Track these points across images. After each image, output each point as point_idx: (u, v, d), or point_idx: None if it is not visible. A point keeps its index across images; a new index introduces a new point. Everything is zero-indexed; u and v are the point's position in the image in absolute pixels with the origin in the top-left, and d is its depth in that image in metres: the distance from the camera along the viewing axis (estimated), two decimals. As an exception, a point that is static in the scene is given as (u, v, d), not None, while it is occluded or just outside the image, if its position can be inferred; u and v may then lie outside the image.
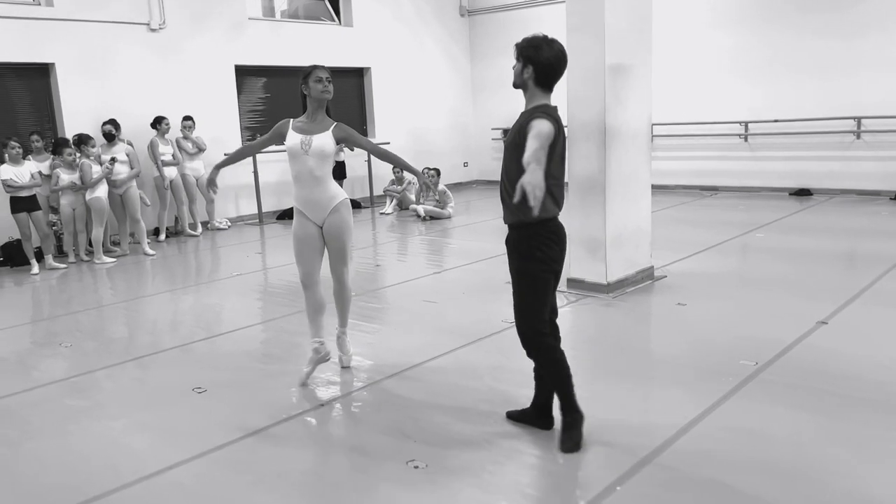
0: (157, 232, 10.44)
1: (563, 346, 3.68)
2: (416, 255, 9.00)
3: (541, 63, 3.38)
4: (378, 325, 5.79)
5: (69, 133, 9.50)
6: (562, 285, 6.52)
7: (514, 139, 3.38)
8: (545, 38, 3.45)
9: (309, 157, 4.37)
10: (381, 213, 12.00)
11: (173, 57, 10.80)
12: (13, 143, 8.37)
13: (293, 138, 4.43)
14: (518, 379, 4.46)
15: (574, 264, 6.42)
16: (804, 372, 4.34)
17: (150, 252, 9.25)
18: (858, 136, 11.07)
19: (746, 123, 12.02)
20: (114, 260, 8.95)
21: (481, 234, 9.83)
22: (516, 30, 15.34)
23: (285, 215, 12.05)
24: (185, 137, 10.53)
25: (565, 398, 3.59)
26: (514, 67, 3.52)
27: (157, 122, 10.20)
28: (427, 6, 14.43)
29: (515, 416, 3.89)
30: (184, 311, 6.69)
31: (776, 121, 11.64)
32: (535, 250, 3.45)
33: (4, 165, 8.30)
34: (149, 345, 5.57)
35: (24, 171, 8.38)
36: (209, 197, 10.83)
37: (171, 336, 5.82)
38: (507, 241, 3.61)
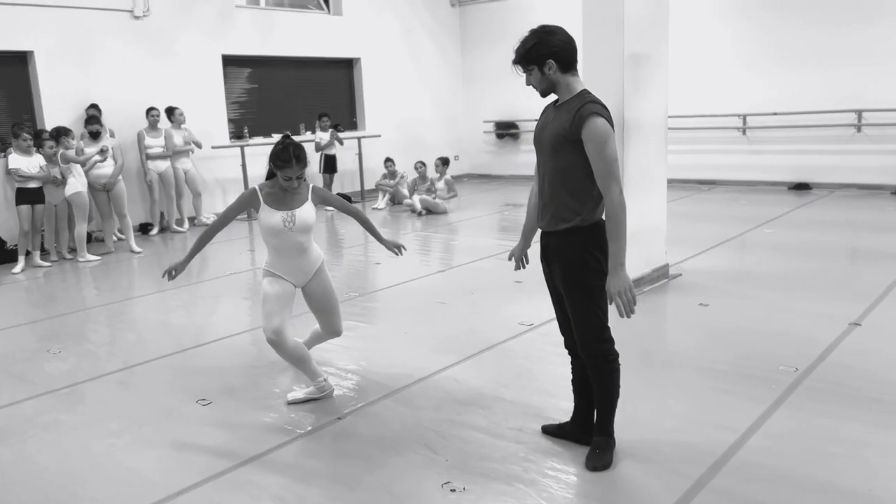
0: (143, 228, 10.04)
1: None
2: (415, 253, 8.70)
3: (556, 49, 3.09)
4: (387, 328, 5.50)
5: (49, 124, 9.07)
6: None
7: (566, 134, 3.09)
8: (534, 31, 3.15)
9: (294, 233, 3.98)
10: (374, 209, 11.67)
11: (158, 46, 10.37)
12: (25, 134, 8.12)
13: (271, 216, 3.95)
14: (546, 387, 4.22)
15: (588, 263, 6.17)
16: (849, 378, 4.12)
17: (138, 249, 8.86)
18: (859, 130, 10.93)
19: (745, 116, 11.84)
20: (98, 258, 8.55)
21: (482, 230, 9.56)
22: (508, 20, 15.12)
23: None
24: (174, 127, 10.14)
25: (609, 415, 3.34)
26: (529, 82, 3.22)
27: (146, 113, 9.80)
28: (417, -5, 14.09)
29: (552, 431, 3.62)
30: (179, 314, 6.33)
31: (775, 114, 11.47)
32: (589, 256, 3.16)
33: (13, 155, 8.06)
34: (144, 351, 5.22)
35: (34, 163, 8.09)
36: (196, 191, 10.46)
37: (168, 341, 5.46)
38: (549, 249, 3.32)
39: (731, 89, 11.79)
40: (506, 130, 14.58)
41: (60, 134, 8.45)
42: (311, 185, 4.14)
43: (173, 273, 4.06)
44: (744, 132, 11.96)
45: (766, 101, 11.55)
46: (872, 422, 3.59)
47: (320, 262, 4.19)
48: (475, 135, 15.05)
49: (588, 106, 3.06)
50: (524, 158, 14.13)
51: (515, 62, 3.17)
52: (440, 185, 11.29)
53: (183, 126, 10.22)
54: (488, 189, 13.36)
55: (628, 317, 3.08)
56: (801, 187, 11.48)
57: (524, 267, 3.70)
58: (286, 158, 3.86)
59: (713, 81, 11.93)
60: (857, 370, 4.22)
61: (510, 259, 3.70)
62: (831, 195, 10.85)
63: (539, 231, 3.38)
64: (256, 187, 4.06)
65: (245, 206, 4.09)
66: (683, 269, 6.75)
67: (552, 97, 3.28)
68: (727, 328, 5.12)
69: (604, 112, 3.08)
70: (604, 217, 3.15)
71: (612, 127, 3.10)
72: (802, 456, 3.30)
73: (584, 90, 3.16)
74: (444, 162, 11.55)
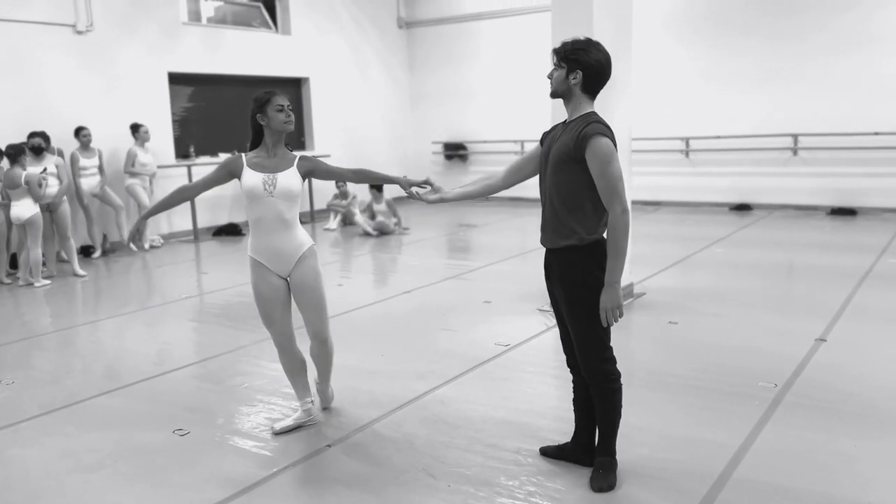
0: (84, 251, 9.61)
1: (566, 369, 3.51)
2: (373, 274, 8.61)
3: (591, 66, 3.13)
4: (363, 351, 5.38)
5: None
6: (546, 304, 6.31)
7: (570, 153, 3.10)
8: (590, 40, 3.22)
9: (275, 199, 3.74)
10: (325, 229, 11.50)
11: (101, 62, 10.02)
12: None
13: (252, 178, 3.74)
14: (536, 408, 4.21)
15: (558, 282, 6.21)
16: (828, 393, 4.24)
17: (81, 273, 8.46)
18: (795, 153, 11.43)
19: (688, 139, 12.23)
20: (48, 282, 8.13)
21: (438, 251, 9.53)
22: (454, 43, 15.26)
23: (221, 231, 11.40)
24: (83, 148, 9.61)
25: (611, 436, 3.34)
26: (552, 75, 3.25)
27: (76, 133, 9.41)
28: (365, 17, 14.06)
29: (551, 453, 3.59)
30: (136, 340, 6.06)
31: (717, 137, 11.89)
32: (589, 276, 3.16)
33: None
34: (110, 378, 4.97)
35: None
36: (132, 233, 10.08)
37: (131, 368, 5.20)
38: (551, 267, 3.32)
39: (674, 113, 12.17)
40: (454, 151, 14.64)
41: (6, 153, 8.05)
42: (298, 154, 3.92)
43: (137, 236, 3.77)
44: (687, 154, 12.34)
45: (708, 125, 11.97)
46: (860, 435, 3.70)
47: (305, 248, 3.85)
48: (424, 155, 15.05)
49: (592, 126, 3.09)
50: (472, 179, 14.17)
51: (555, 50, 3.21)
52: (380, 207, 11.09)
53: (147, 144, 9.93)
54: (438, 210, 13.35)
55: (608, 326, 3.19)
56: (743, 208, 11.90)
57: (415, 192, 3.72)
58: (269, 92, 3.78)
59: (657, 105, 12.27)
60: (834, 385, 4.35)
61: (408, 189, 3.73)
62: (771, 215, 11.28)
63: (543, 249, 3.38)
64: (242, 153, 3.90)
65: (227, 168, 3.82)
66: (646, 287, 6.87)
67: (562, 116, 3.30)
68: (699, 345, 5.22)
69: (607, 132, 3.11)
70: (605, 235, 3.17)
71: (616, 147, 3.13)
72: (798, 470, 3.36)
73: (592, 111, 3.19)
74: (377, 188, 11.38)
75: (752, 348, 5.08)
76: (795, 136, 11.32)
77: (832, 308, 5.94)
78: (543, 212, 3.30)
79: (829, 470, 3.36)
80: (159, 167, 10.45)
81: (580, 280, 3.18)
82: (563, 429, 3.96)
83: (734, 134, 11.75)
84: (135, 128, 9.97)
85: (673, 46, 12.11)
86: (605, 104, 5.89)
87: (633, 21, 6.39)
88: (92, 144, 9.54)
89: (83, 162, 9.46)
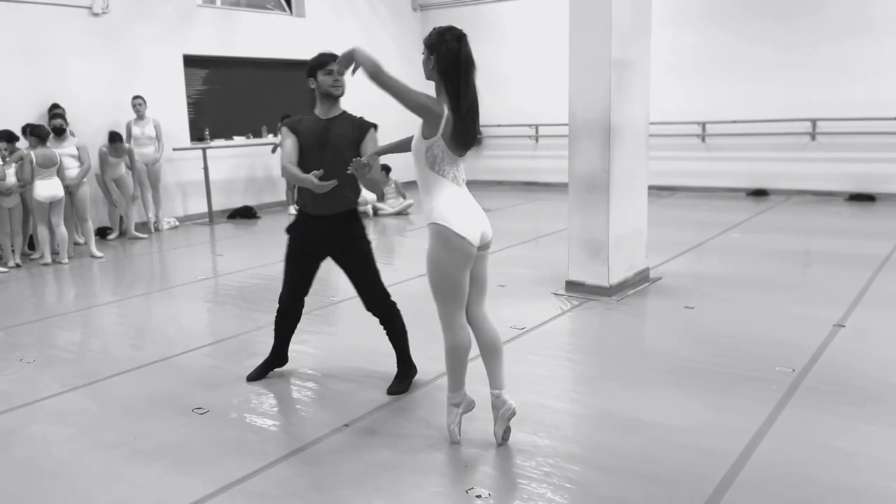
0: (101, 232, 9.68)
1: (581, 353, 3.88)
2: (388, 256, 8.61)
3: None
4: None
5: (1, 125, 8.67)
6: (560, 288, 6.31)
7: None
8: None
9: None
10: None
11: (117, 44, 10.04)
12: None
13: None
14: (552, 391, 4.21)
15: (573, 267, 6.20)
16: (847, 379, 4.21)
17: (99, 254, 8.53)
18: (814, 138, 11.31)
19: (704, 124, 12.12)
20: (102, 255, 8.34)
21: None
22: (471, 25, 15.09)
23: (236, 214, 11.43)
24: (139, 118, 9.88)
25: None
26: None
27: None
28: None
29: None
30: (155, 320, 6.11)
31: (734, 121, 11.78)
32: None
33: None
34: (127, 358, 5.01)
35: None
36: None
37: (151, 347, 5.25)
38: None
39: (690, 97, 12.05)
40: (468, 135, 14.56)
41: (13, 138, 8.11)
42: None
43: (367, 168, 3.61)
44: (703, 139, 12.24)
45: (724, 109, 11.85)
46: (878, 420, 3.68)
47: (429, 221, 3.39)
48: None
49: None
50: (486, 164, 14.16)
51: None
52: (388, 188, 11.35)
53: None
54: (452, 194, 13.34)
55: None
56: (759, 193, 11.80)
57: (359, 167, 3.55)
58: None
59: (673, 89, 12.15)
60: (854, 371, 4.33)
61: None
62: (788, 201, 11.18)
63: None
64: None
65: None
66: (662, 272, 6.84)
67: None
68: (716, 331, 5.20)
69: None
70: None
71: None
72: (817, 455, 3.35)
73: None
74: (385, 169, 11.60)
75: (770, 334, 5.06)
76: (814, 121, 11.19)
77: (850, 294, 5.89)
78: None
79: (848, 455, 3.34)
80: (174, 150, 10.49)
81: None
82: (576, 411, 3.98)
83: (751, 118, 11.63)
84: (132, 101, 9.93)
85: (690, 29, 11.97)
86: (623, 87, 5.87)
87: (651, 5, 6.31)
88: (147, 113, 9.82)
89: (135, 131, 9.67)
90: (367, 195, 11.39)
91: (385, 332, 4.36)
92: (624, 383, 4.30)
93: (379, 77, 3.17)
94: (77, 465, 3.50)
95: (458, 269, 3.33)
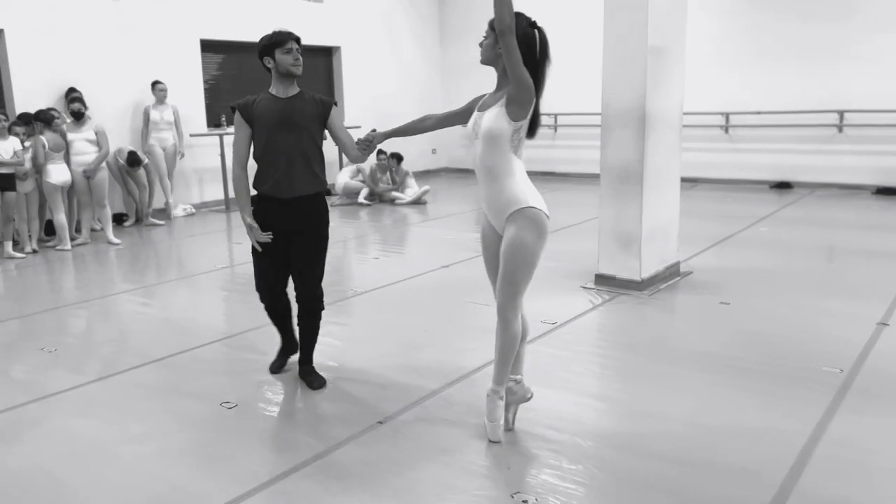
0: (117, 219, 9.57)
1: (617, 349, 3.99)
2: (409, 247, 8.47)
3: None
4: (404, 325, 5.26)
5: (21, 108, 8.57)
6: (589, 281, 6.16)
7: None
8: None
9: (479, 140, 3.30)
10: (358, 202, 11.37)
11: (134, 27, 9.89)
12: (0, 115, 7.58)
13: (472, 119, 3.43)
14: (589, 389, 4.06)
15: (603, 260, 6.04)
16: (897, 380, 4.06)
17: (116, 241, 8.42)
18: (841, 130, 11.08)
19: (727, 115, 11.90)
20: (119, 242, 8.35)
21: (472, 225, 9.36)
22: (488, 12, 14.82)
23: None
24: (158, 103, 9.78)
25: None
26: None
27: (153, 87, 9.77)
28: (397, -16, 13.81)
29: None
30: (174, 310, 5.99)
31: (758, 112, 11.55)
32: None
33: None
34: (149, 349, 4.88)
35: (8, 147, 7.55)
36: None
37: (172, 338, 5.12)
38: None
39: (714, 88, 11.81)
40: (485, 124, 14.39)
41: (38, 119, 8.02)
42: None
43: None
44: (726, 130, 12.02)
45: (748, 100, 11.62)
46: (937, 425, 3.52)
47: (515, 209, 3.30)
48: (454, 128, 14.77)
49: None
50: (504, 153, 13.96)
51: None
52: (410, 181, 11.47)
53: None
54: (467, 183, 13.19)
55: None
56: (783, 186, 11.59)
57: (367, 147, 3.79)
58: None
59: (696, 79, 11.89)
60: (903, 371, 4.17)
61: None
62: (813, 194, 10.97)
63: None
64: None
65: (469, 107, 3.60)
66: (693, 266, 6.67)
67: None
68: (755, 327, 5.04)
69: None
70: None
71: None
72: (878, 459, 3.20)
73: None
74: (396, 159, 11.53)
75: (811, 331, 4.90)
76: (841, 113, 10.95)
77: (890, 291, 5.72)
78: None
79: (910, 462, 3.19)
80: (191, 135, 10.36)
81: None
82: (617, 411, 3.84)
83: (776, 110, 11.40)
84: (153, 85, 9.83)
85: (715, 20, 11.72)
86: (659, 75, 5.69)
87: (687, -10, 6.11)
88: (167, 100, 9.73)
89: (154, 115, 9.57)
90: (353, 185, 11.30)
91: (299, 324, 4.16)
92: (664, 382, 4.15)
93: (507, 36, 3.08)
94: (105, 461, 3.38)
95: (540, 255, 3.34)
